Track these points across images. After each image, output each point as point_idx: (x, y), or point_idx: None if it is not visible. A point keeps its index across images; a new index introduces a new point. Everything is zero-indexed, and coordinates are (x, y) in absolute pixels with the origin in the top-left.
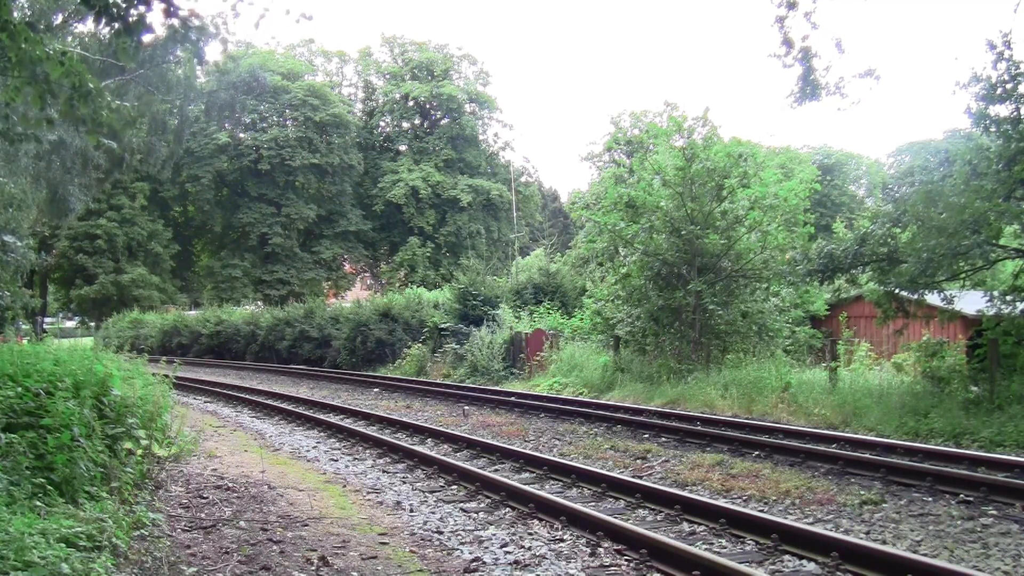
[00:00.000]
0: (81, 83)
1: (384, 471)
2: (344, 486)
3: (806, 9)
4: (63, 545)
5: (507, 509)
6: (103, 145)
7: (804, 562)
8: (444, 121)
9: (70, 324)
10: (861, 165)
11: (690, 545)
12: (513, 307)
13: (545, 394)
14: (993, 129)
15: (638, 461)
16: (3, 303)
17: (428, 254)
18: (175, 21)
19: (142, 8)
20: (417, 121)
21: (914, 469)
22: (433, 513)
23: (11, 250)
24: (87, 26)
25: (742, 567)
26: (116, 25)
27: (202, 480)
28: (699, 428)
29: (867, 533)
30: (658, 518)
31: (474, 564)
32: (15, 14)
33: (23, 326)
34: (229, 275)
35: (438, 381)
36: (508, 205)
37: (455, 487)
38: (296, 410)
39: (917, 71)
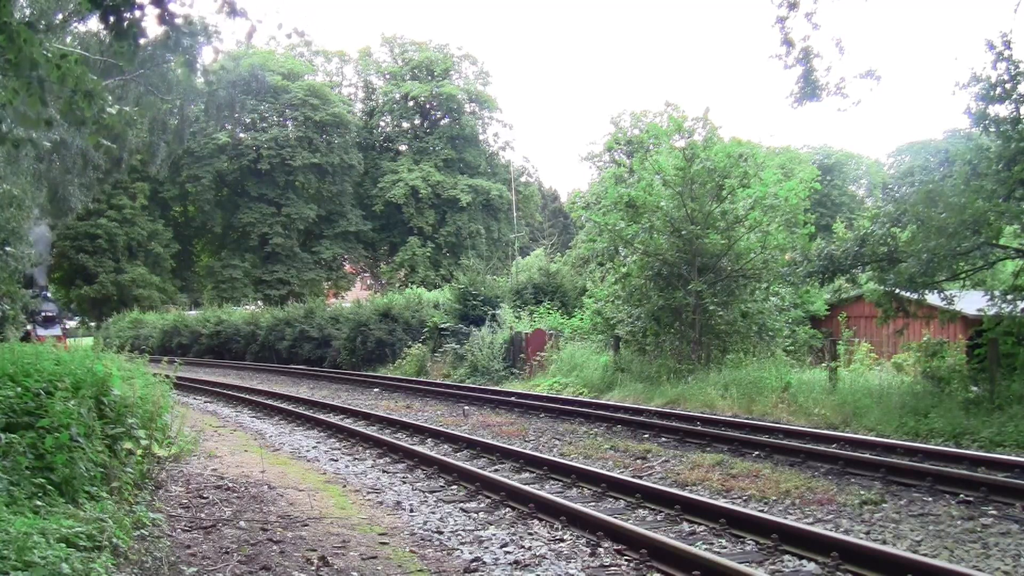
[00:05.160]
0: (80, 85)
1: (384, 471)
2: (344, 486)
3: (807, 10)
4: (63, 545)
5: (507, 509)
6: (102, 146)
7: (804, 562)
8: (444, 121)
9: (70, 324)
10: (861, 165)
11: (690, 545)
12: (513, 307)
13: (545, 394)
14: (993, 129)
15: (638, 461)
16: (4, 305)
17: (428, 254)
18: (168, 28)
19: (138, 13)
20: (417, 121)
21: (914, 469)
22: (433, 513)
23: (11, 252)
24: (87, 26)
25: (742, 567)
26: (112, 23)
27: (202, 480)
28: (699, 428)
29: (867, 533)
30: (658, 518)
31: (474, 564)
32: (15, 14)
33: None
34: (229, 275)
35: (438, 381)
36: (508, 205)
37: (455, 487)
38: (296, 410)
39: (917, 71)
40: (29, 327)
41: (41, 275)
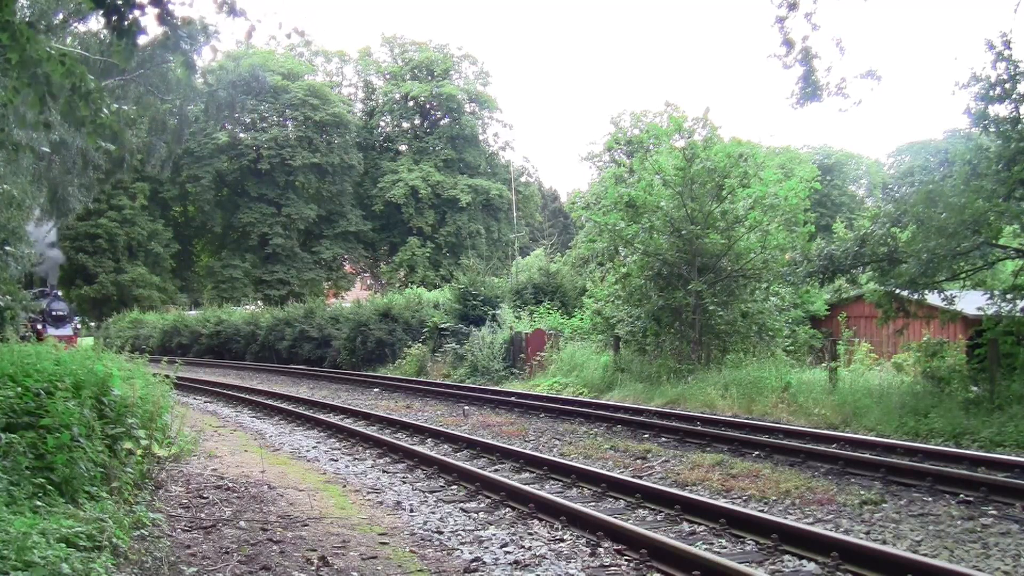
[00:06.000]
0: (81, 83)
1: (384, 471)
2: (344, 486)
3: (807, 10)
4: (63, 545)
5: (507, 509)
6: (102, 147)
7: (804, 562)
8: (444, 121)
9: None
10: (861, 165)
11: (690, 545)
12: (513, 307)
13: (545, 394)
14: (993, 129)
15: (638, 461)
16: (3, 303)
17: (428, 254)
18: (167, 28)
19: (137, 12)
20: (417, 121)
21: (914, 469)
22: (433, 513)
23: (11, 252)
24: (87, 26)
25: (742, 567)
26: (113, 21)
27: (202, 480)
28: (699, 428)
29: (867, 533)
30: (658, 518)
31: (474, 564)
32: (15, 14)
33: (77, 323)
34: (229, 275)
35: (438, 381)
36: (508, 205)
37: (455, 487)
38: (296, 410)
39: (917, 71)
40: (40, 326)
41: (52, 275)
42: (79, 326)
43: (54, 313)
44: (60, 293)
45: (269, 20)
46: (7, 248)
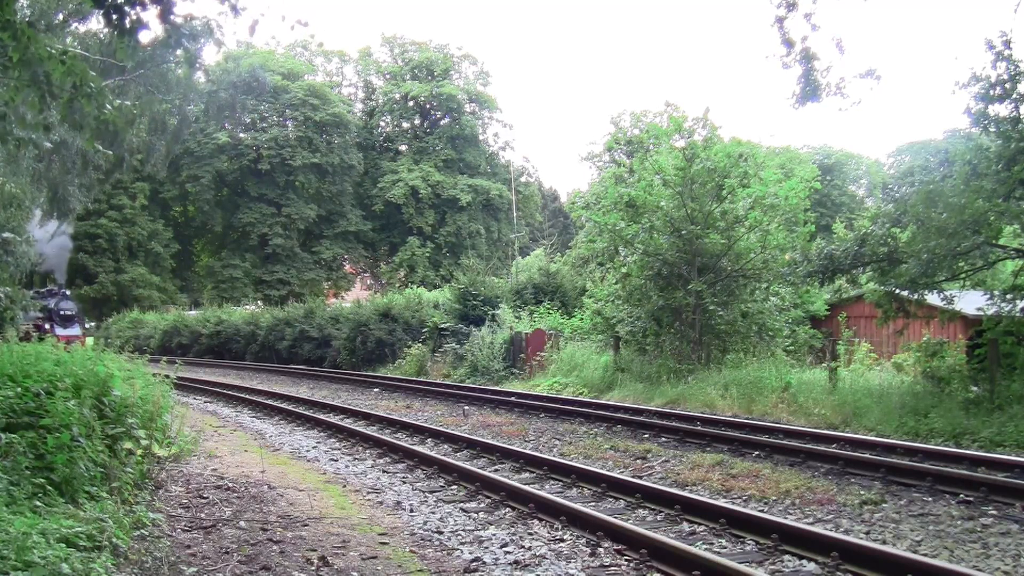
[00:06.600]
0: (83, 82)
1: (384, 471)
2: (344, 486)
3: (806, 10)
4: (63, 545)
5: (507, 509)
6: (99, 152)
7: (804, 562)
8: (444, 121)
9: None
10: (861, 165)
11: (690, 545)
12: (513, 307)
13: (545, 394)
14: (993, 129)
15: (638, 461)
16: (1, 303)
17: (428, 254)
18: (168, 27)
19: (139, 9)
20: (417, 121)
21: (914, 469)
22: (433, 513)
23: (11, 250)
24: (87, 25)
25: (742, 567)
26: (114, 20)
27: (202, 480)
28: (699, 428)
29: (867, 533)
30: (658, 518)
31: (474, 564)
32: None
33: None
34: (229, 275)
35: (438, 381)
36: (508, 205)
37: (455, 487)
38: (296, 410)
39: (917, 71)
40: (47, 325)
41: (60, 274)
42: (87, 325)
43: (62, 312)
44: (68, 292)
45: (272, 14)
46: (5, 236)
